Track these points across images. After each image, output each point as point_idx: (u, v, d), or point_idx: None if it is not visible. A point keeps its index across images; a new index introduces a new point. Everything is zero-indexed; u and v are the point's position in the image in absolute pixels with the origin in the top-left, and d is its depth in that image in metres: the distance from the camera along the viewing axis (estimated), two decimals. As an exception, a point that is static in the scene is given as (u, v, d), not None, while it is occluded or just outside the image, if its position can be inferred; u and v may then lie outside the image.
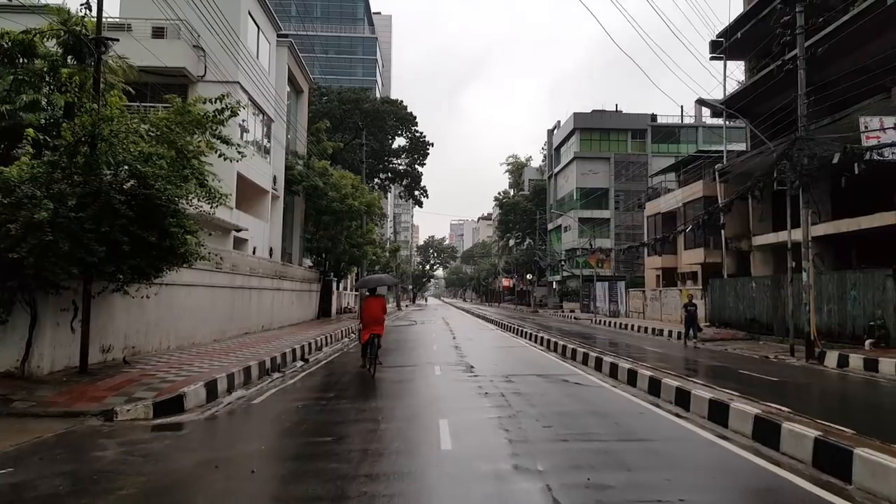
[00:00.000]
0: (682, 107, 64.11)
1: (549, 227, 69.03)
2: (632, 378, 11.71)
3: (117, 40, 11.78)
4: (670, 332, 25.89)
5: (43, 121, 11.99)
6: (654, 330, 28.13)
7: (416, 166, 56.57)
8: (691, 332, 21.48)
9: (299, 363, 15.36)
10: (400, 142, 56.09)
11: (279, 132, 28.79)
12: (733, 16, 29.05)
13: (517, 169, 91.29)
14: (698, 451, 7.13)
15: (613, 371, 12.81)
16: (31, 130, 10.54)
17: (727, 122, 33.44)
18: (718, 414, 8.28)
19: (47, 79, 12.49)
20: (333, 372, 14.36)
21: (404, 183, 57.63)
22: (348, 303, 46.27)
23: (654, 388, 10.57)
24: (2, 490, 5.55)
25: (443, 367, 14.71)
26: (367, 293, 14.12)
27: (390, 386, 11.96)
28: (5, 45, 12.28)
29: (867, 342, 16.93)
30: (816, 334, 16.77)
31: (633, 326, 31.35)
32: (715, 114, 33.91)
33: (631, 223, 56.47)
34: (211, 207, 12.30)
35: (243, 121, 23.57)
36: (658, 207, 39.15)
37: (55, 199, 9.47)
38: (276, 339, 19.30)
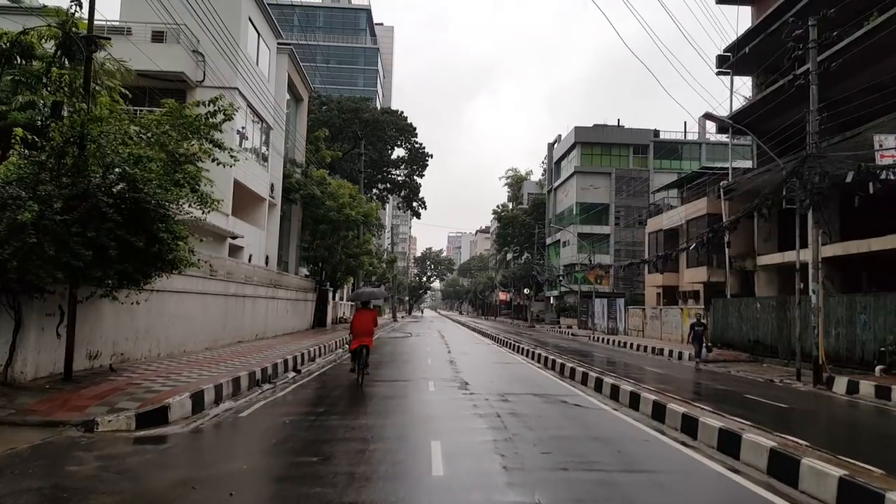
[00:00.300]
0: (685, 122, 64.29)
1: (548, 241, 68.74)
2: (634, 401, 11.27)
3: (108, 38, 11.57)
4: (671, 352, 25.43)
5: (39, 122, 11.77)
6: (654, 349, 27.60)
7: (415, 177, 56.46)
8: (699, 352, 21.15)
9: (291, 374, 15.01)
10: (399, 152, 56.06)
11: (278, 140, 28.60)
12: (741, 30, 28.73)
13: (516, 182, 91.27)
14: (708, 486, 6.75)
15: (615, 393, 12.35)
16: (19, 130, 10.28)
17: (732, 139, 33.14)
18: (729, 444, 7.86)
19: (44, 80, 12.30)
20: (325, 384, 14.01)
21: (403, 194, 57.47)
22: (344, 313, 45.85)
23: (659, 412, 10.14)
24: (-38, 509, 5.22)
25: (437, 382, 14.36)
26: (360, 305, 14.26)
27: (382, 402, 11.61)
28: (3, 46, 12.10)
29: (878, 368, 16.21)
30: (825, 359, 16.17)
31: (632, 345, 30.76)
32: (720, 130, 33.54)
33: (631, 240, 56.19)
34: (203, 213, 12.02)
35: (242, 128, 23.39)
36: (660, 224, 38.87)
37: (41, 201, 9.21)
38: (270, 348, 18.94)
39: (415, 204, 57.32)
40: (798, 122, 19.45)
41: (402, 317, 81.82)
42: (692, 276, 33.88)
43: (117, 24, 20.68)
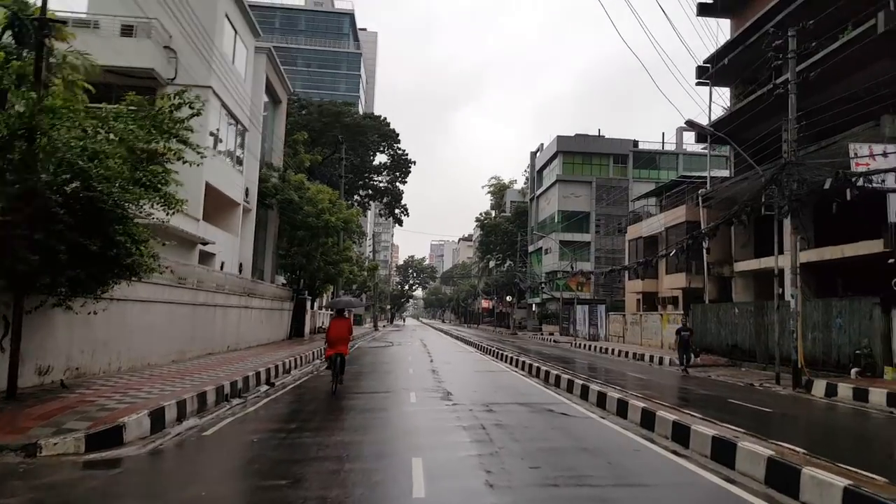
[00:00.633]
0: (663, 134, 65.03)
1: (530, 249, 68.75)
2: (622, 408, 10.98)
3: (64, 23, 10.72)
4: (651, 357, 25.75)
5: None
6: (635, 355, 27.76)
7: (398, 184, 55.74)
8: (684, 358, 20.92)
9: (264, 387, 14.20)
10: (381, 158, 55.28)
11: (254, 142, 27.72)
12: (720, 42, 29.04)
13: (499, 190, 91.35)
14: (706, 500, 6.39)
15: (601, 400, 12.07)
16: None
17: (710, 150, 33.46)
18: (723, 453, 7.55)
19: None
20: (300, 398, 13.25)
21: (385, 201, 56.67)
22: (323, 322, 44.78)
23: (648, 420, 9.84)
24: None
25: (419, 393, 13.79)
26: (335, 314, 14.22)
27: (360, 415, 10.90)
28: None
29: (853, 371, 16.71)
30: (803, 362, 16.49)
31: (613, 351, 30.97)
32: (700, 138, 33.96)
33: (611, 247, 56.38)
34: (167, 214, 11.18)
35: (217, 130, 22.51)
36: (640, 231, 38.96)
37: (-18, 200, 8.35)
38: (242, 360, 18.05)
39: (397, 211, 56.59)
40: (775, 131, 20.02)
41: (384, 326, 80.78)
42: (671, 283, 34.11)
43: (84, 16, 19.72)
